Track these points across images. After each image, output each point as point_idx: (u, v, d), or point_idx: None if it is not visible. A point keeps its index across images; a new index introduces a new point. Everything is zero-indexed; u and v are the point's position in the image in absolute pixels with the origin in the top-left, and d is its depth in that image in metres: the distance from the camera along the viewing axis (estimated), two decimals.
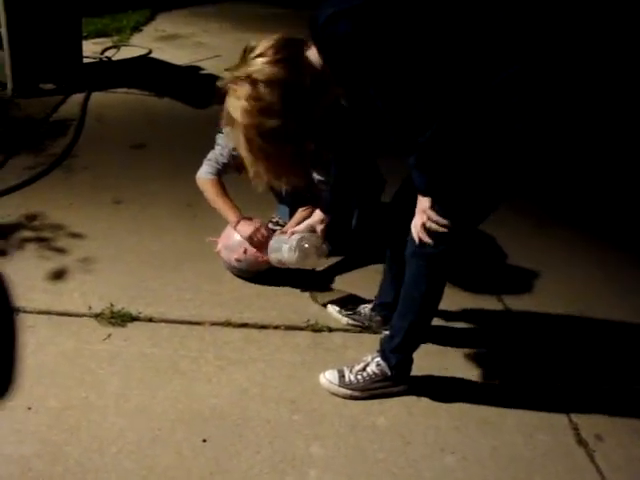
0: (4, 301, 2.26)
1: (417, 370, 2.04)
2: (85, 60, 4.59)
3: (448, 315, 2.39)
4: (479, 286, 2.63)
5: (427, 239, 1.74)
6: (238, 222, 2.44)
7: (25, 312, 2.22)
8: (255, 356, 2.14)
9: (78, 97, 4.14)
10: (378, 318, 2.29)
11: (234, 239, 2.46)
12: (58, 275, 2.44)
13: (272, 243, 2.36)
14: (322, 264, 2.50)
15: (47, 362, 2.02)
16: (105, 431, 1.80)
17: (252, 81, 1.56)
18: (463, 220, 1.74)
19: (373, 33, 1.49)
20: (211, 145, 2.50)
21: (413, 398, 2.02)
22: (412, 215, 1.77)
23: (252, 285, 2.50)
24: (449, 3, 1.58)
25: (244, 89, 1.57)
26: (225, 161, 2.42)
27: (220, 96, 1.63)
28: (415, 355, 2.00)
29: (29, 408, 1.84)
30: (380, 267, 2.34)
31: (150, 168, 3.36)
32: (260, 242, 2.41)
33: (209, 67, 5.05)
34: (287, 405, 1.95)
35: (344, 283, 2.57)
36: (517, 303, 2.56)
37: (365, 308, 2.33)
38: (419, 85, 1.53)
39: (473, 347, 2.28)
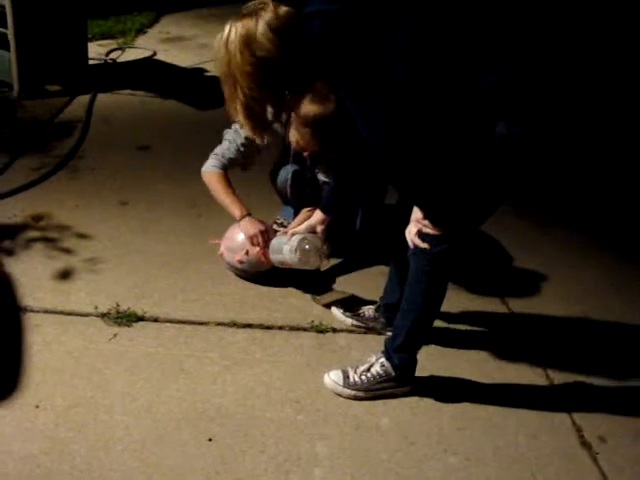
0: (11, 300, 2.27)
1: (421, 371, 2.05)
2: (90, 62, 4.60)
3: (452, 317, 2.40)
4: (483, 288, 2.64)
5: (423, 245, 1.76)
6: (243, 217, 2.44)
7: (32, 311, 2.24)
8: (260, 356, 2.15)
9: (83, 98, 4.16)
10: (382, 319, 2.30)
11: (236, 241, 2.47)
12: (65, 275, 2.45)
13: (273, 244, 2.37)
14: (325, 265, 2.51)
15: (54, 361, 2.04)
16: (111, 429, 1.81)
17: (257, 19, 1.65)
18: (458, 225, 1.74)
19: (341, 41, 1.50)
20: (215, 146, 2.51)
21: (417, 399, 2.04)
22: None
23: (256, 286, 2.51)
24: (431, 10, 1.57)
25: (248, 21, 1.67)
26: (232, 156, 2.43)
27: None
28: (419, 356, 2.02)
29: (36, 406, 1.86)
30: (384, 268, 2.35)
31: (155, 169, 3.38)
32: (261, 244, 2.41)
33: (213, 69, 5.03)
34: (292, 405, 1.96)
35: (348, 284, 2.58)
36: (521, 305, 2.57)
37: (369, 309, 2.34)
38: (384, 94, 1.53)
39: (477, 349, 2.29)
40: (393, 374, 2.00)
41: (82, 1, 4.28)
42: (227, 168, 2.45)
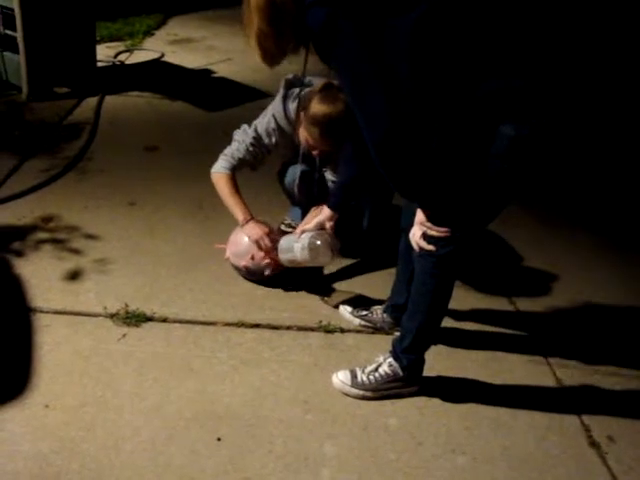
0: (21, 301, 2.29)
1: (428, 371, 2.05)
2: (98, 64, 4.63)
3: (459, 316, 2.40)
4: (491, 287, 2.63)
5: (428, 247, 1.76)
6: (246, 222, 2.45)
7: (42, 312, 2.25)
8: (268, 356, 2.16)
9: (92, 100, 4.18)
10: (390, 319, 2.30)
11: (241, 245, 2.46)
12: (74, 276, 2.47)
13: (282, 244, 2.37)
14: (333, 263, 2.51)
15: (63, 361, 2.05)
16: (120, 429, 1.83)
17: None
18: (463, 227, 1.74)
19: (344, 31, 1.48)
20: (223, 147, 2.51)
21: (424, 399, 2.04)
22: None
23: (264, 286, 2.52)
24: (432, 11, 1.55)
25: None
26: (241, 156, 2.44)
27: None
28: (426, 356, 2.02)
29: (46, 406, 1.87)
30: (392, 268, 2.35)
31: (163, 170, 3.40)
32: (267, 246, 2.41)
33: (221, 70, 5.09)
34: (300, 405, 1.97)
35: (356, 284, 2.59)
36: (529, 305, 2.56)
37: (377, 309, 2.35)
38: (384, 86, 1.51)
39: (484, 348, 2.28)
40: (401, 374, 2.00)
41: (90, 4, 4.31)
42: (236, 168, 2.46)
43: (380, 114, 1.53)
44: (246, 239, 2.45)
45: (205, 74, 5.03)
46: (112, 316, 2.26)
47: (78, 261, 2.56)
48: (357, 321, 2.34)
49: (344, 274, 2.65)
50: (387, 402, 2.01)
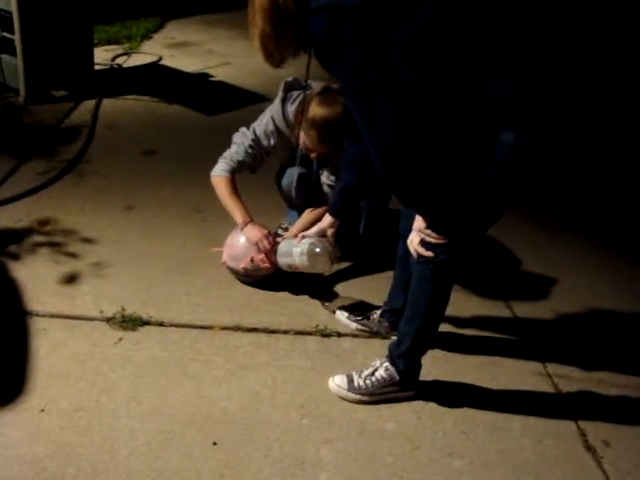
0: (17, 304, 2.29)
1: (425, 375, 2.05)
2: (96, 67, 4.63)
3: (456, 321, 2.40)
4: (488, 292, 2.64)
5: (426, 253, 1.76)
6: (245, 224, 2.45)
7: (38, 315, 2.25)
8: (265, 360, 2.16)
9: (89, 103, 4.18)
10: (387, 324, 2.30)
11: (239, 248, 2.47)
12: (70, 279, 2.47)
13: (281, 247, 2.37)
14: (331, 269, 2.51)
15: (59, 365, 2.05)
16: (116, 433, 1.82)
17: None
18: (461, 234, 1.74)
19: (347, 38, 1.48)
20: (221, 151, 2.52)
21: (421, 403, 2.04)
22: None
23: (261, 290, 2.52)
24: (435, 15, 1.54)
25: None
26: (240, 158, 2.44)
27: None
28: (423, 360, 2.02)
29: (42, 410, 1.87)
30: (389, 273, 2.35)
31: (161, 174, 3.40)
32: (267, 249, 2.42)
33: (219, 74, 5.09)
34: (297, 409, 1.97)
35: (353, 289, 2.59)
36: (526, 310, 2.56)
37: (374, 314, 2.35)
38: (388, 93, 1.51)
39: (481, 353, 2.29)
40: (397, 379, 2.00)
41: (88, 7, 4.31)
42: (236, 171, 2.47)
43: (385, 119, 1.53)
44: (243, 241, 2.45)
45: (203, 78, 5.03)
46: (108, 320, 2.26)
47: (74, 264, 2.56)
48: (354, 325, 2.34)
49: (341, 278, 2.65)
50: (384, 406, 2.01)
